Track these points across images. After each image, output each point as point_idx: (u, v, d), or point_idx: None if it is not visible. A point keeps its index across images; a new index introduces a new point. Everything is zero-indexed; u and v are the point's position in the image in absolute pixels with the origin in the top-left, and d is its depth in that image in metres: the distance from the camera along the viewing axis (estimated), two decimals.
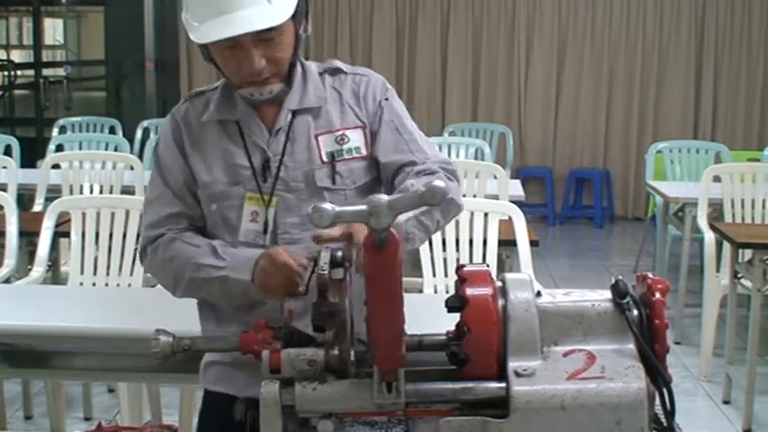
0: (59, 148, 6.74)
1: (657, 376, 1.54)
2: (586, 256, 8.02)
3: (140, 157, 6.56)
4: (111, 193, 5.40)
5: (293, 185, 2.05)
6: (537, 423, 1.49)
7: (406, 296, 1.52)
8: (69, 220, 4.05)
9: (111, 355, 2.93)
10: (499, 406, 1.52)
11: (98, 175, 5.61)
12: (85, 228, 4.03)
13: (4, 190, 4.67)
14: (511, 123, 9.13)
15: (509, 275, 1.64)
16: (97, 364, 2.99)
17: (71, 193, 5.43)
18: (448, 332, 1.66)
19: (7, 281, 3.94)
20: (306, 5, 2.04)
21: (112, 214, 4.05)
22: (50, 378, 3.69)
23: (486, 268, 1.67)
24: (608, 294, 1.61)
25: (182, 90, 9.61)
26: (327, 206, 1.50)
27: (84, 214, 4.05)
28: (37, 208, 5.40)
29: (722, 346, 4.83)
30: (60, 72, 10.08)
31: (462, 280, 1.61)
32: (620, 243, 8.74)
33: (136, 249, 3.96)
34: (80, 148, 6.72)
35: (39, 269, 3.98)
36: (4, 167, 5.53)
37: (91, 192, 5.53)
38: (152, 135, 7.70)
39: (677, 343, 5.44)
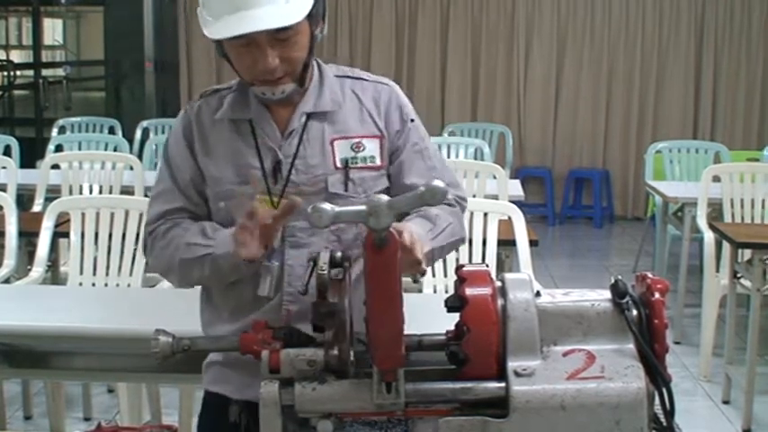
0: (59, 148, 6.74)
1: (657, 376, 1.54)
2: (586, 256, 8.02)
3: (140, 157, 6.56)
4: (110, 193, 5.40)
5: (303, 189, 2.02)
6: (536, 423, 1.49)
7: (405, 296, 1.52)
8: (69, 221, 4.05)
9: (110, 355, 2.93)
10: (499, 406, 1.52)
11: (97, 175, 5.61)
12: (85, 228, 4.03)
13: (4, 190, 4.67)
14: (510, 123, 9.13)
15: (508, 275, 1.65)
16: (97, 365, 2.98)
17: (70, 193, 5.43)
18: (447, 332, 1.66)
19: (7, 281, 3.94)
20: (323, 6, 2.02)
21: (112, 214, 4.05)
22: (50, 378, 3.69)
23: (485, 268, 1.67)
24: (607, 294, 1.62)
25: (181, 90, 9.61)
26: (326, 206, 1.50)
27: (83, 214, 4.05)
28: (36, 208, 5.39)
29: (722, 346, 4.82)
30: (60, 72, 10.07)
31: (462, 280, 1.61)
32: (620, 243, 8.74)
33: (135, 249, 3.98)
34: (79, 149, 6.71)
35: (38, 269, 3.98)
36: (4, 168, 5.53)
37: (90, 192, 5.53)
38: (151, 135, 7.70)
39: (677, 343, 5.44)
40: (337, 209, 1.50)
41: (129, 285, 3.95)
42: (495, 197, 4.71)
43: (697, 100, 9.34)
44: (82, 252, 4.02)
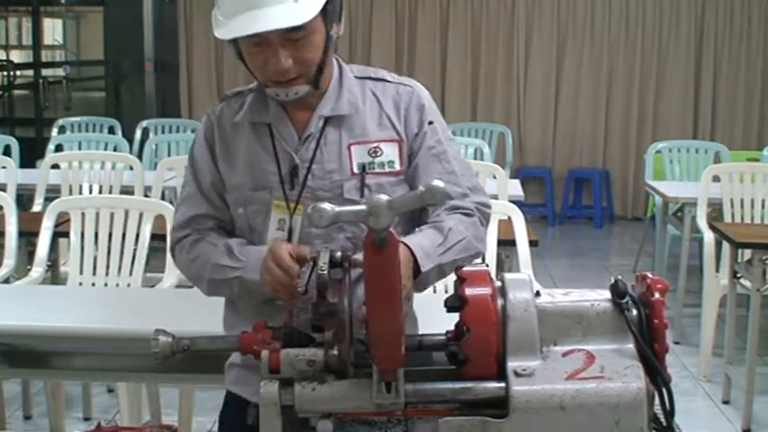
0: (59, 148, 6.75)
1: (657, 376, 1.54)
2: (586, 256, 8.02)
3: (140, 157, 6.56)
4: (110, 193, 5.40)
5: (320, 195, 1.99)
6: (536, 423, 1.49)
7: None
8: (69, 221, 4.05)
9: (110, 355, 2.93)
10: (498, 406, 1.52)
11: (97, 175, 5.61)
12: (85, 228, 4.02)
13: (4, 190, 4.67)
14: (510, 123, 9.13)
15: (508, 275, 1.65)
16: (96, 365, 2.98)
17: (70, 193, 5.43)
18: (447, 332, 1.66)
19: (7, 281, 3.93)
20: (339, 6, 1.99)
21: (112, 214, 4.05)
22: (50, 378, 3.69)
23: (485, 268, 1.67)
24: (607, 294, 1.62)
25: (181, 90, 9.60)
26: (326, 206, 1.50)
27: (83, 214, 4.05)
28: (36, 208, 5.40)
29: (721, 346, 4.82)
30: (60, 72, 10.07)
31: (461, 280, 1.61)
32: (620, 243, 8.74)
33: (135, 249, 3.97)
34: (79, 149, 6.72)
35: (38, 269, 3.97)
36: (4, 167, 5.54)
37: (90, 192, 5.53)
38: (151, 135, 7.71)
39: (676, 343, 5.44)
40: (337, 209, 1.50)
41: (128, 285, 3.95)
42: (495, 197, 4.70)
43: (697, 100, 9.34)
44: (82, 252, 4.02)
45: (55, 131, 7.77)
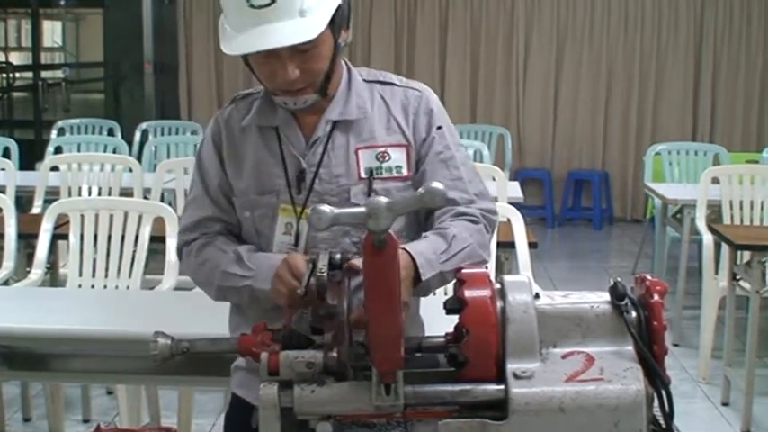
0: (58, 150, 6.75)
1: (656, 378, 1.54)
2: (585, 258, 8.02)
3: (139, 159, 6.57)
4: (109, 195, 5.40)
5: (327, 199, 1.97)
6: (536, 425, 1.49)
7: None
8: (68, 223, 4.05)
9: (109, 357, 2.93)
10: (498, 408, 1.52)
11: (97, 177, 5.61)
12: (84, 230, 4.02)
13: (3, 192, 4.68)
14: (509, 125, 9.13)
15: (507, 277, 1.64)
16: (96, 367, 2.99)
17: (70, 195, 5.44)
18: (447, 334, 1.66)
19: (6, 283, 3.94)
20: (347, 14, 1.97)
21: (111, 216, 4.05)
22: (49, 380, 3.69)
23: (484, 270, 1.67)
24: (606, 296, 1.62)
25: (180, 92, 9.61)
26: (326, 208, 1.50)
27: (82, 216, 4.05)
28: (36, 210, 5.40)
29: (721, 348, 4.82)
30: (59, 74, 10.08)
31: (461, 282, 1.61)
32: (619, 245, 8.74)
33: (134, 251, 3.97)
34: (79, 151, 6.72)
35: (37, 271, 3.97)
36: (3, 170, 5.54)
37: (89, 194, 5.53)
38: (150, 137, 7.71)
39: (676, 345, 5.44)
40: (336, 211, 1.50)
41: (128, 287, 3.95)
42: (495, 199, 4.67)
43: (696, 102, 9.35)
44: (81, 254, 4.02)
45: (54, 133, 7.77)
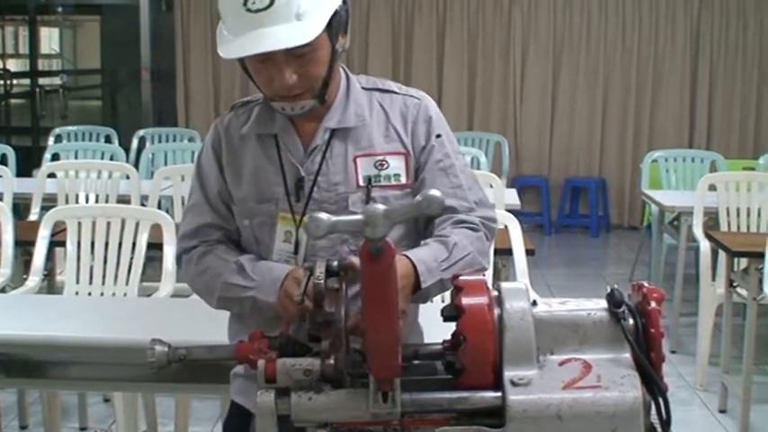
0: (55, 157, 6.75)
1: (653, 385, 1.54)
2: (582, 265, 8.02)
3: (136, 166, 6.56)
4: (106, 202, 5.40)
5: (325, 207, 1.97)
6: None
7: None
8: (65, 230, 4.04)
9: (106, 364, 2.93)
10: (495, 415, 1.52)
11: (94, 184, 5.61)
12: (81, 237, 4.02)
13: (0, 199, 4.67)
14: (507, 132, 9.14)
15: (505, 284, 1.65)
16: (93, 374, 2.98)
17: (67, 202, 5.43)
18: (444, 341, 1.66)
19: (3, 290, 3.93)
20: (345, 20, 1.97)
21: (108, 223, 4.05)
22: (46, 388, 3.68)
23: (481, 277, 1.67)
24: (604, 303, 1.62)
25: (178, 99, 9.60)
26: (323, 216, 1.50)
27: (79, 223, 4.04)
28: (33, 217, 5.39)
29: (718, 355, 4.82)
30: (56, 81, 10.09)
31: (458, 289, 1.61)
32: (616, 252, 8.75)
33: (131, 259, 3.97)
34: (76, 158, 6.72)
35: (34, 278, 3.97)
36: (0, 176, 5.53)
37: (87, 201, 5.53)
38: (148, 144, 7.71)
39: (673, 352, 5.44)
40: (334, 218, 1.50)
41: (125, 295, 3.95)
42: (492, 206, 4.70)
43: (693, 109, 9.36)
44: (78, 261, 4.02)
45: (51, 140, 7.76)
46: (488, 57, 9.42)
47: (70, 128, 8.12)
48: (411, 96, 2.10)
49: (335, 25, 1.93)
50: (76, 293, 3.97)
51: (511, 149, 8.73)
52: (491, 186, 5.04)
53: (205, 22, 9.42)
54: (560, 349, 1.58)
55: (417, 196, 1.51)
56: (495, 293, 1.62)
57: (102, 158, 6.66)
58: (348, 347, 1.60)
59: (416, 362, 1.66)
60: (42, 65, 10.43)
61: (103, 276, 4.02)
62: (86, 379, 3.04)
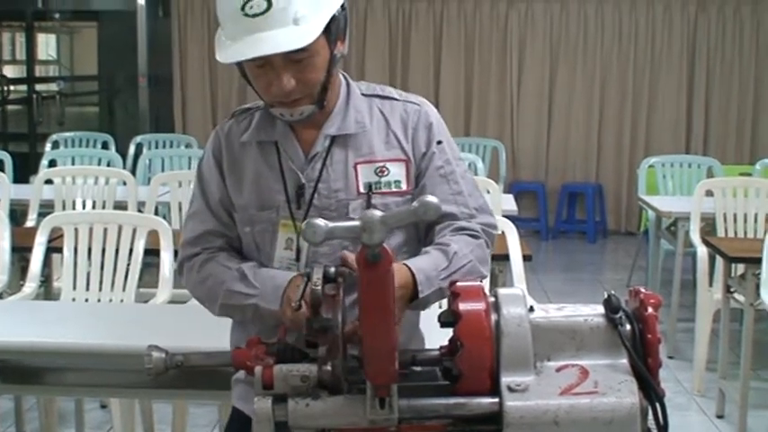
0: (52, 163, 6.75)
1: (650, 391, 1.54)
2: (579, 271, 8.02)
3: (133, 172, 6.57)
4: (103, 208, 5.40)
5: (326, 214, 1.97)
6: None
7: None
8: (62, 236, 4.04)
9: (103, 370, 2.93)
10: (492, 421, 1.52)
11: (91, 190, 5.60)
12: (78, 243, 4.02)
13: None
14: (503, 138, 9.14)
15: (502, 290, 1.65)
16: (90, 380, 2.98)
17: (64, 208, 5.43)
18: (441, 347, 1.66)
19: (0, 296, 3.93)
20: (344, 25, 1.96)
21: (105, 230, 4.04)
22: (42, 394, 3.68)
23: (478, 283, 1.67)
24: (601, 309, 1.62)
25: (175, 105, 9.60)
26: (320, 222, 1.50)
27: (76, 229, 4.04)
28: (30, 223, 5.39)
29: (715, 361, 4.82)
30: (53, 87, 10.08)
31: (455, 295, 1.61)
32: (613, 257, 8.75)
33: (128, 265, 3.97)
34: (73, 164, 6.71)
35: (31, 284, 3.96)
36: None
37: (84, 207, 5.52)
38: (145, 150, 7.71)
39: (670, 357, 5.44)
40: (331, 224, 1.50)
41: (122, 301, 3.94)
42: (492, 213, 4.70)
43: (689, 115, 9.37)
44: (75, 267, 4.01)
45: (48, 146, 7.77)
46: (485, 62, 9.43)
47: (67, 134, 8.13)
48: (411, 103, 2.10)
49: (334, 31, 1.93)
50: (73, 300, 3.97)
51: (508, 155, 8.73)
52: (488, 192, 5.05)
53: (202, 29, 9.42)
54: (557, 355, 1.58)
55: (414, 202, 1.51)
56: (492, 299, 1.62)
57: (99, 165, 6.65)
58: (345, 353, 1.59)
59: (419, 368, 1.66)
60: (39, 71, 10.43)
61: (100, 282, 4.02)
62: (83, 385, 3.04)
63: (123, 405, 3.50)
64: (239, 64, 1.95)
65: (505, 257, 3.87)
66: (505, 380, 1.53)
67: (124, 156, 7.41)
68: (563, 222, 9.40)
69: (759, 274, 4.22)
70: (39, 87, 9.95)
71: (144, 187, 5.79)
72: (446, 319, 1.60)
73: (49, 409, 3.86)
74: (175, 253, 3.78)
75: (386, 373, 1.52)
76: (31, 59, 9.98)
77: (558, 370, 1.56)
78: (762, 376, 5.11)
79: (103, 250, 4.02)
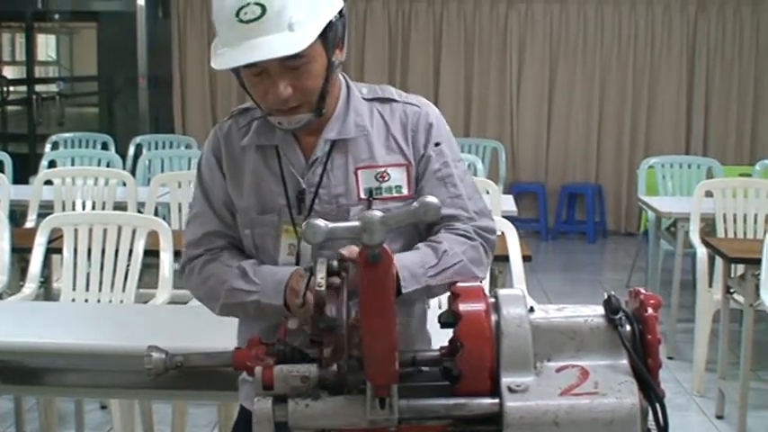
0: (52, 164, 6.75)
1: (650, 391, 1.54)
2: (579, 271, 8.02)
3: (133, 173, 6.57)
4: (103, 209, 5.40)
5: (326, 220, 1.97)
6: None
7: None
8: (62, 237, 4.04)
9: (103, 371, 2.93)
10: (493, 422, 1.52)
11: (90, 191, 5.60)
12: (78, 244, 4.02)
13: None
14: (503, 139, 9.14)
15: (502, 291, 1.65)
16: (89, 381, 2.98)
17: (63, 209, 5.42)
18: (441, 348, 1.66)
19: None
20: (342, 32, 1.94)
21: (105, 230, 4.04)
22: (42, 395, 3.68)
23: (478, 284, 1.67)
24: (601, 310, 1.62)
25: (174, 106, 9.60)
26: (320, 222, 1.50)
27: (76, 230, 4.04)
28: (29, 224, 5.38)
29: (715, 361, 4.82)
30: (53, 88, 10.08)
31: (455, 296, 1.61)
32: (613, 258, 8.75)
33: (128, 266, 3.97)
34: (72, 164, 6.71)
35: (31, 285, 3.96)
36: None
37: (83, 208, 5.52)
38: (144, 151, 7.71)
39: (670, 358, 5.44)
40: (331, 225, 1.50)
41: (121, 301, 3.94)
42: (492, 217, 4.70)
43: (689, 115, 9.37)
44: (75, 268, 4.01)
45: (48, 147, 7.76)
46: (485, 63, 9.43)
47: (67, 135, 8.12)
48: (411, 104, 2.08)
49: (331, 38, 1.91)
50: (73, 300, 3.97)
51: (507, 156, 8.73)
52: (488, 193, 5.05)
53: (202, 29, 9.42)
54: (557, 356, 1.58)
55: (414, 203, 1.51)
56: (493, 300, 1.62)
57: (98, 165, 6.65)
58: (350, 353, 1.59)
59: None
60: (39, 72, 10.43)
61: (100, 283, 4.02)
62: (83, 386, 3.04)
63: (123, 406, 3.50)
64: (237, 73, 1.94)
65: (505, 258, 3.87)
66: (505, 380, 1.53)
67: (124, 156, 7.41)
68: (563, 223, 9.40)
69: (759, 274, 4.22)
70: (38, 88, 9.94)
71: (144, 188, 5.79)
72: (446, 320, 1.60)
73: (48, 409, 3.86)
74: (175, 254, 3.82)
75: (386, 373, 1.52)
76: (30, 60, 9.98)
77: (559, 370, 1.56)
78: (761, 377, 5.11)
79: (103, 251, 4.02)
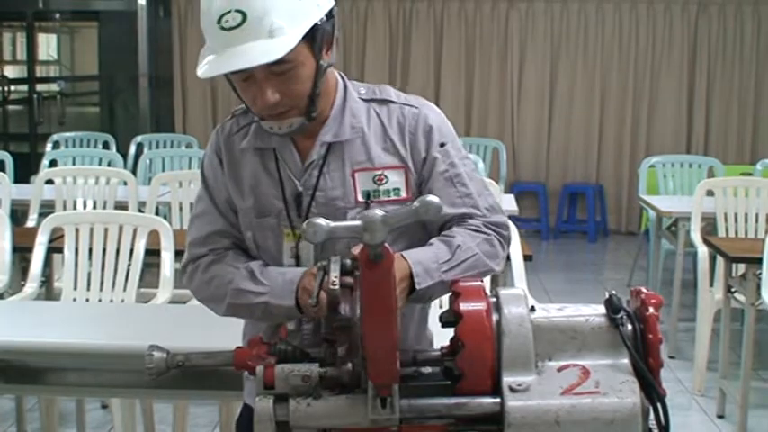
0: (53, 163, 6.75)
1: (652, 391, 1.54)
2: (580, 271, 8.02)
3: (134, 172, 6.58)
4: (104, 208, 5.40)
5: None
6: None
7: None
8: (63, 236, 4.04)
9: (104, 370, 2.92)
10: (494, 421, 1.52)
11: (91, 190, 5.61)
12: (79, 243, 4.02)
13: None
14: (504, 138, 9.14)
15: (503, 290, 1.65)
16: (91, 380, 2.97)
17: (64, 208, 5.43)
18: (442, 347, 1.66)
19: (1, 296, 3.93)
20: (330, 34, 1.92)
21: (106, 230, 4.05)
22: (43, 394, 3.68)
23: (479, 283, 1.67)
24: (602, 309, 1.62)
25: (175, 105, 9.61)
26: (321, 221, 1.50)
27: (77, 229, 4.04)
28: (30, 223, 5.39)
29: (716, 361, 4.82)
30: (54, 87, 10.08)
31: (456, 295, 1.61)
32: (614, 257, 8.75)
33: (129, 265, 3.97)
34: (73, 164, 6.72)
35: (32, 285, 3.97)
36: None
37: (84, 207, 5.52)
38: (145, 150, 7.71)
39: (671, 357, 5.44)
40: (332, 224, 1.50)
41: (122, 301, 3.94)
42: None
43: (690, 115, 9.37)
44: (76, 267, 4.02)
45: (49, 147, 7.77)
46: (485, 63, 9.44)
47: (68, 134, 8.13)
48: (409, 106, 2.05)
49: (318, 41, 1.88)
50: (74, 300, 3.97)
51: (508, 155, 8.73)
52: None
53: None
54: (559, 355, 1.58)
55: (415, 202, 1.50)
56: (494, 299, 1.62)
57: (99, 165, 6.65)
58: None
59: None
60: (40, 71, 10.42)
61: (101, 283, 4.02)
62: (84, 385, 3.04)
63: (124, 405, 3.50)
64: (229, 79, 1.93)
65: (506, 257, 3.86)
66: (507, 380, 1.53)
67: (125, 156, 7.41)
68: (564, 222, 9.41)
69: (760, 273, 4.22)
70: (39, 87, 9.95)
71: (144, 187, 5.80)
72: (447, 319, 1.60)
73: (49, 409, 3.86)
74: (176, 253, 3.82)
75: (387, 372, 1.52)
76: (31, 60, 9.98)
77: (560, 370, 1.56)
78: (762, 376, 5.11)
79: (104, 250, 4.02)
